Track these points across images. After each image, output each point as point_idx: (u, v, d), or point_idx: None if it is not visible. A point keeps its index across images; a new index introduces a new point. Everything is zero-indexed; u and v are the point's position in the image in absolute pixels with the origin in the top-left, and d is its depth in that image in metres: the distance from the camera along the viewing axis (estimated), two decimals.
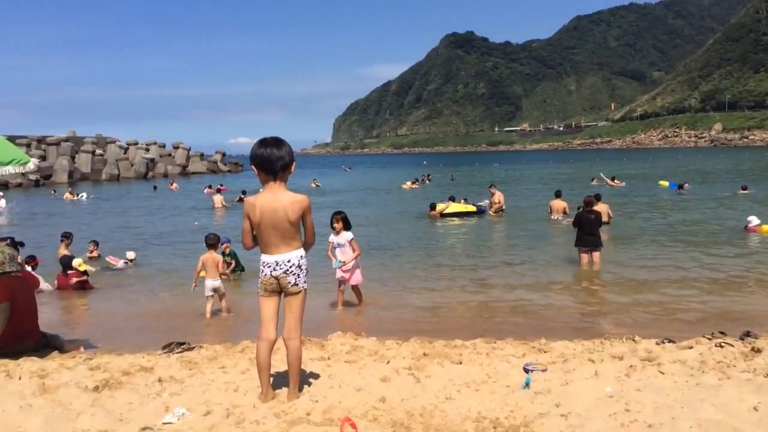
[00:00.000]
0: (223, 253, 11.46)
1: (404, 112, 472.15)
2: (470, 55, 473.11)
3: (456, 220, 21.77)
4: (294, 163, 4.36)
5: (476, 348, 6.01)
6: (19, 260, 10.29)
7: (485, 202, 23.61)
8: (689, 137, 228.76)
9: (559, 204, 21.14)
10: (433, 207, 22.91)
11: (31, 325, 6.84)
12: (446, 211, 22.53)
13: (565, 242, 14.62)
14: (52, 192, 40.03)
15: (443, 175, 56.51)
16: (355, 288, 9.39)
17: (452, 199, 24.24)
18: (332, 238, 9.24)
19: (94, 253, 13.53)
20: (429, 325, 8.51)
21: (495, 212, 22.46)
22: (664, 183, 35.21)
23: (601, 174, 38.82)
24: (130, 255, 13.84)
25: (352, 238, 9.21)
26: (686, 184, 31.82)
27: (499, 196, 22.89)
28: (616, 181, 36.51)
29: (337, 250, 9.19)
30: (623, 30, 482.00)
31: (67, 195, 35.83)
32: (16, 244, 9.43)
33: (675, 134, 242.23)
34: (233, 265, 11.63)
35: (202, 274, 9.12)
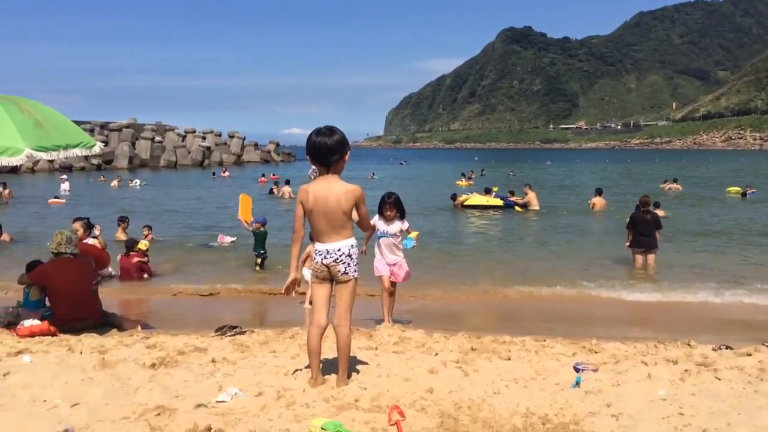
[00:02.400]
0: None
1: (457, 107, 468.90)
2: (527, 51, 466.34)
3: (497, 214, 21.55)
4: (348, 153, 4.39)
5: (525, 345, 5.96)
6: (100, 240, 10.83)
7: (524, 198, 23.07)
8: (754, 140, 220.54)
9: (600, 201, 22.80)
10: (454, 197, 23.05)
11: (87, 305, 7.03)
12: (467, 202, 22.51)
13: (615, 242, 14.30)
14: (101, 178, 40.89)
15: (498, 171, 56.10)
16: (395, 284, 7.65)
17: (487, 191, 24.15)
18: (377, 223, 7.39)
19: (149, 237, 13.93)
20: (476, 320, 8.50)
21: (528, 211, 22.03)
22: (735, 190, 30.89)
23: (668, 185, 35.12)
24: (227, 239, 14.74)
25: (409, 227, 7.65)
26: (749, 190, 30.18)
27: (532, 197, 22.50)
28: (676, 183, 34.78)
29: (385, 241, 7.44)
30: (688, 27, 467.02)
31: (114, 182, 36.90)
32: (91, 225, 9.81)
33: (739, 136, 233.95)
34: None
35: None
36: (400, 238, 7.58)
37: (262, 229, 11.94)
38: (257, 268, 11.93)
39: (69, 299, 6.83)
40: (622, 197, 27.48)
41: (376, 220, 7.34)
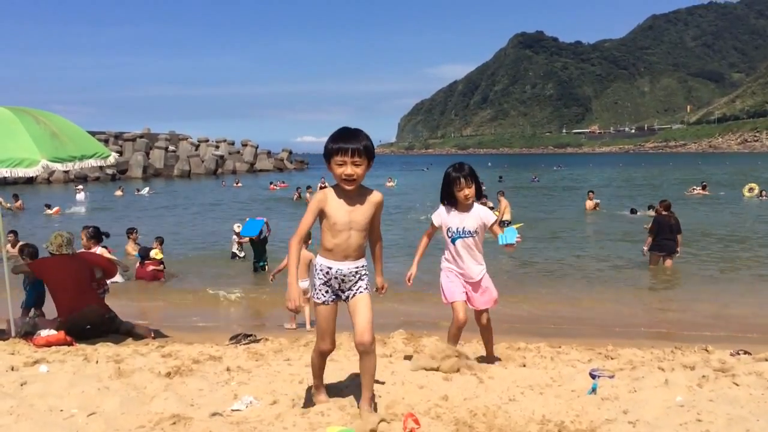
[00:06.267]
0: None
1: (470, 113, 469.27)
2: (539, 55, 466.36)
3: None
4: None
5: (540, 351, 5.93)
6: (113, 245, 11.04)
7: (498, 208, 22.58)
8: None
9: (590, 203, 25.01)
10: None
11: (89, 293, 7.15)
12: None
13: (632, 246, 14.21)
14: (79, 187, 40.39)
15: (518, 176, 55.97)
16: (483, 313, 5.27)
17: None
18: (446, 219, 5.06)
19: (157, 249, 13.98)
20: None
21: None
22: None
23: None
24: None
25: (497, 221, 5.19)
26: (765, 192, 29.78)
27: (505, 205, 21.93)
28: (703, 187, 34.10)
29: (461, 243, 5.02)
30: (701, 30, 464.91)
31: (118, 192, 37.31)
32: (100, 233, 9.89)
33: (755, 138, 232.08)
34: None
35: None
36: (480, 238, 5.09)
37: (253, 239, 12.04)
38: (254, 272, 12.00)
39: (71, 287, 6.95)
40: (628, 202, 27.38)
41: (442, 216, 5.10)
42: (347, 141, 3.71)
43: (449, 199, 5.04)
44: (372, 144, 3.83)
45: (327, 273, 3.87)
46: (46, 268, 7.13)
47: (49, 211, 25.11)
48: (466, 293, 5.15)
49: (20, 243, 13.26)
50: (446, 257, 5.19)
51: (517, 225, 4.78)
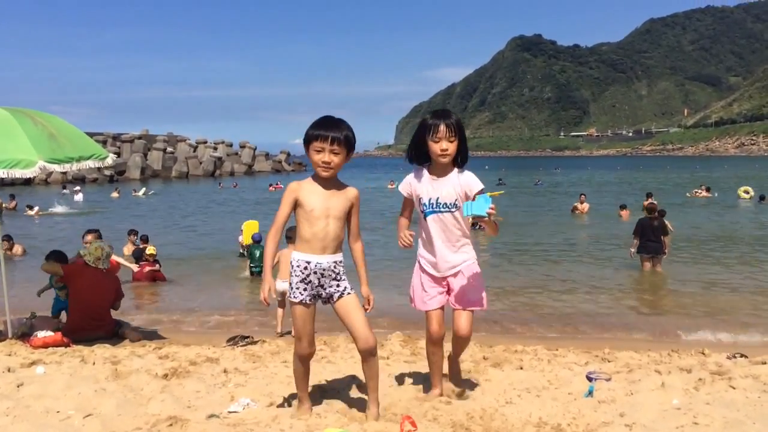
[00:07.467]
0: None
1: (468, 116, 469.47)
2: (537, 59, 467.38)
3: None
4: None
5: (537, 354, 5.93)
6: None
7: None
8: (767, 146, 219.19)
9: (583, 206, 25.35)
10: None
11: (104, 318, 7.20)
12: None
13: (621, 251, 14.20)
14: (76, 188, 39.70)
15: (519, 178, 56.04)
16: (462, 315, 4.03)
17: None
18: (415, 186, 4.02)
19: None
20: (488, 329, 8.45)
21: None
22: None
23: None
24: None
25: (481, 191, 3.82)
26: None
27: None
28: (707, 191, 33.70)
29: (434, 220, 3.94)
30: (699, 33, 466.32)
31: (115, 193, 37.36)
32: (100, 237, 9.89)
33: (752, 142, 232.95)
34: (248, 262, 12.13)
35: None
36: (459, 214, 3.91)
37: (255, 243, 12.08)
38: (248, 273, 11.94)
39: (89, 308, 6.97)
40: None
41: (411, 183, 4.09)
42: (328, 129, 3.67)
43: (421, 156, 3.97)
44: (353, 135, 3.76)
45: (305, 268, 3.74)
46: (77, 276, 7.09)
47: (30, 212, 24.97)
48: (447, 290, 4.07)
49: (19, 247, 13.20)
50: (420, 242, 4.12)
51: (496, 193, 3.61)
